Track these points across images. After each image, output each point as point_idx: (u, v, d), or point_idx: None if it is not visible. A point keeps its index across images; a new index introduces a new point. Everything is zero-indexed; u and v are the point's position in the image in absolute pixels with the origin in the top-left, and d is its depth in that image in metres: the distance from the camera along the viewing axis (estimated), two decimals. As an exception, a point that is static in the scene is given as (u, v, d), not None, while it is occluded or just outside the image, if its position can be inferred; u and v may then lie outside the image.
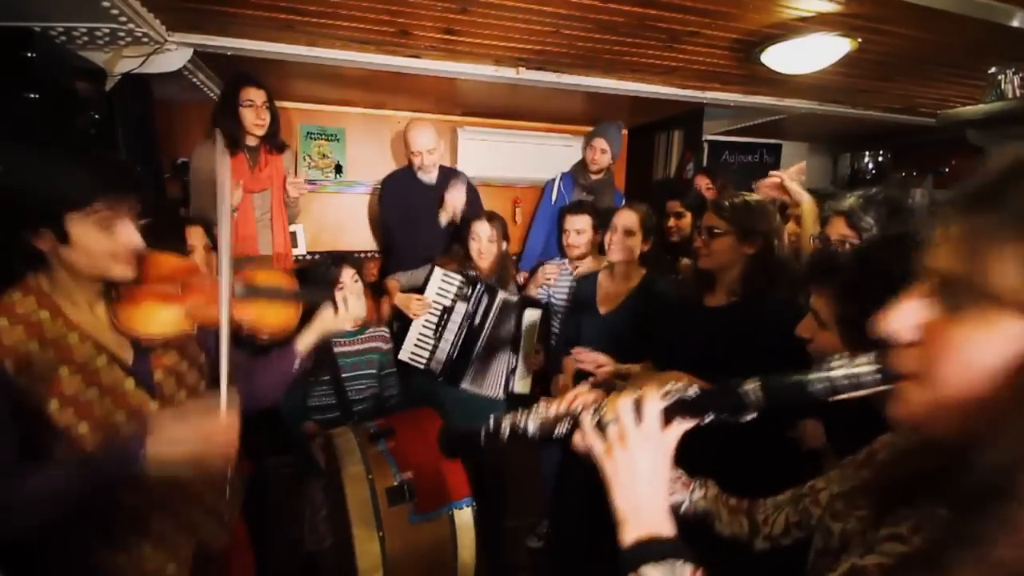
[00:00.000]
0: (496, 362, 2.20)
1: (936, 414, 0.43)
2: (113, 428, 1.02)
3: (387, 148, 3.34)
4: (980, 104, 2.29)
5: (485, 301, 2.16)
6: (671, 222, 2.63)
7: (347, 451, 1.57)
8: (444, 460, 1.61)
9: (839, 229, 1.38)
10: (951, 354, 0.41)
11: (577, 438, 0.67)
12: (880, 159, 3.98)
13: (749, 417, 0.60)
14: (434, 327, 2.22)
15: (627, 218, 2.03)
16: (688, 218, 2.60)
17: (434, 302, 2.22)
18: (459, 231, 2.39)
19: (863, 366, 0.52)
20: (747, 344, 1.46)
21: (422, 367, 2.22)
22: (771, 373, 0.60)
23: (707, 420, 0.62)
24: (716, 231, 1.60)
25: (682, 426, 0.63)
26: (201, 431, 0.96)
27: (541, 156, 3.41)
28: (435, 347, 2.22)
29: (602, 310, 2.09)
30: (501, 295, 2.18)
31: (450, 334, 2.20)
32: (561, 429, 0.70)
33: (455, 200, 2.61)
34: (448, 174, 2.83)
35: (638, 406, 0.63)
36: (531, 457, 2.59)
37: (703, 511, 0.91)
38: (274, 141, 2.47)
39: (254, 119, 2.33)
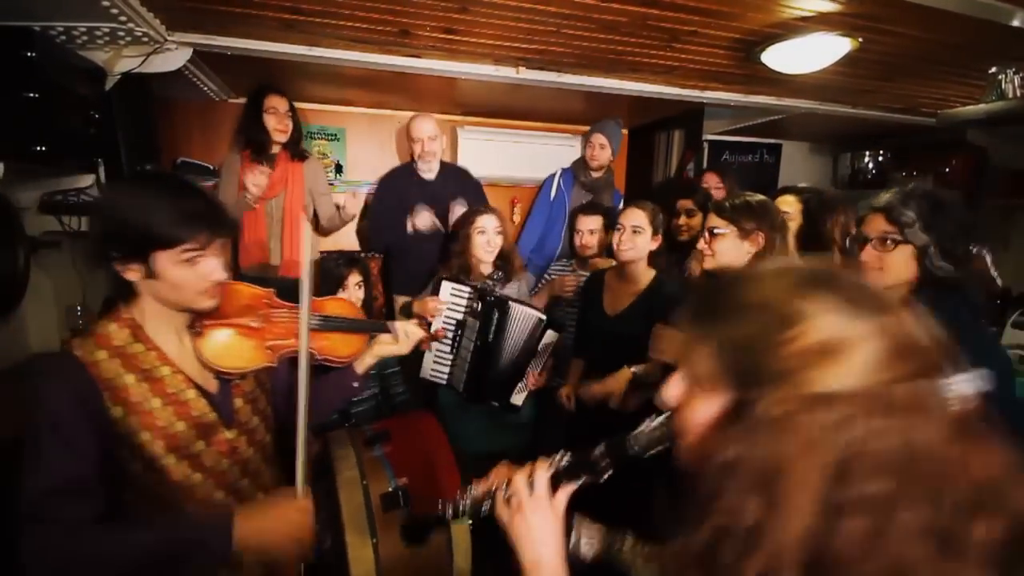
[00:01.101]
0: (503, 372, 2.17)
1: (693, 464, 0.57)
2: (196, 459, 1.06)
3: (387, 148, 3.33)
4: (980, 104, 2.28)
5: (496, 315, 2.07)
6: (681, 220, 2.61)
7: (342, 456, 1.56)
8: (440, 464, 1.60)
9: (879, 226, 1.32)
10: (690, 418, 0.58)
11: (498, 509, 0.80)
12: (880, 159, 3.97)
13: (607, 475, 0.75)
14: (451, 343, 2.15)
15: (634, 216, 2.00)
16: (699, 217, 2.59)
17: (447, 317, 2.15)
18: (454, 234, 2.34)
19: (659, 428, 0.70)
20: None
21: (444, 383, 2.17)
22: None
23: (583, 481, 0.76)
24: (718, 231, 1.62)
25: (568, 489, 0.77)
26: (283, 525, 1.00)
27: (541, 155, 3.40)
28: (453, 362, 2.16)
29: (609, 312, 2.06)
30: (517, 308, 2.10)
31: (466, 351, 2.13)
32: (486, 506, 0.83)
33: (422, 222, 2.66)
34: (449, 171, 2.83)
35: (531, 479, 0.77)
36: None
37: (620, 562, 0.95)
38: (295, 149, 2.59)
39: (277, 125, 2.48)
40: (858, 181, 4.04)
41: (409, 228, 2.66)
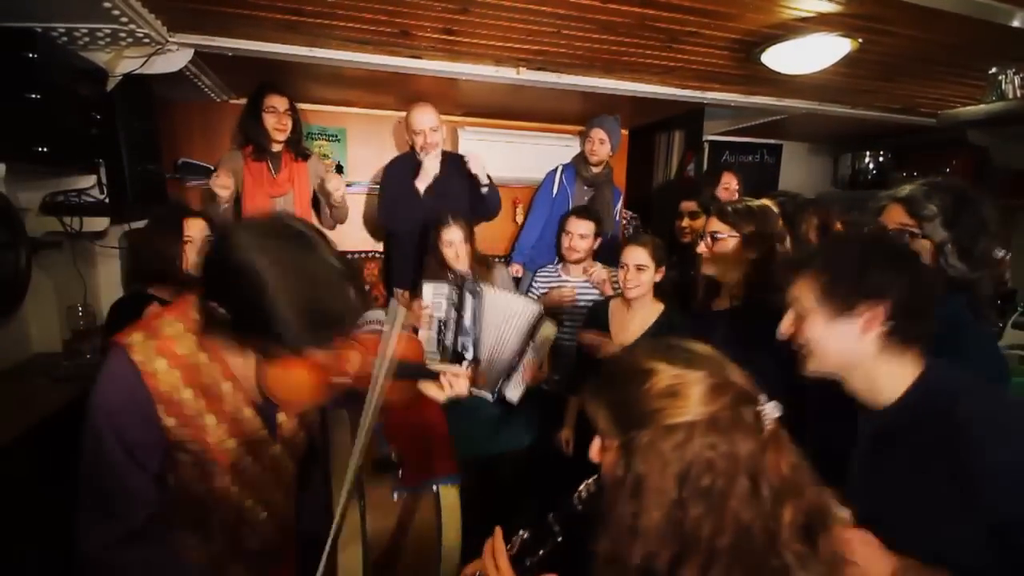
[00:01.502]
0: (496, 362, 2.18)
1: None
2: (240, 473, 1.02)
3: (388, 148, 3.33)
4: (981, 104, 2.29)
5: (471, 300, 2.11)
6: (685, 222, 2.60)
7: (337, 422, 1.57)
8: (432, 436, 1.62)
9: (897, 217, 1.25)
10: (606, 467, 0.77)
11: None
12: (881, 159, 3.97)
13: (560, 539, 0.85)
14: (437, 343, 2.18)
15: (636, 255, 2.00)
16: (702, 219, 2.58)
17: (430, 317, 2.18)
18: (427, 243, 2.37)
19: (593, 484, 0.85)
20: (751, 347, 1.46)
21: None
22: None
23: (545, 548, 0.86)
24: (720, 237, 1.62)
25: (534, 559, 0.85)
26: None
27: (541, 156, 3.40)
28: (442, 362, 2.16)
29: (617, 343, 2.04)
30: (491, 292, 2.14)
31: (451, 345, 2.15)
32: None
33: (428, 169, 2.58)
34: (451, 160, 2.78)
35: (495, 561, 0.85)
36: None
37: None
38: (297, 148, 2.61)
39: (275, 124, 2.49)
40: (858, 181, 4.04)
41: (421, 188, 2.59)
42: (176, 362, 0.94)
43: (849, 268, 0.96)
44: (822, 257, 1.02)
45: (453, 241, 2.25)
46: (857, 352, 0.96)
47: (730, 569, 0.66)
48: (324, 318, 0.87)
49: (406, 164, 2.73)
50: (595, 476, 0.83)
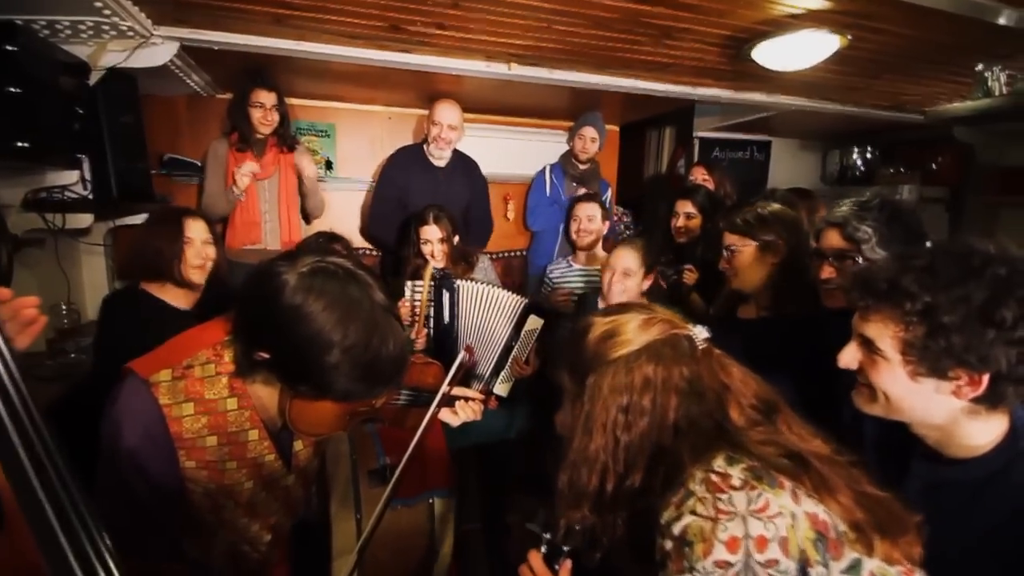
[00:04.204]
0: (481, 358, 2.17)
1: None
2: (251, 507, 1.01)
3: (378, 144, 3.31)
4: (967, 101, 2.32)
5: (447, 295, 2.10)
6: (680, 222, 2.61)
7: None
8: (429, 448, 1.61)
9: (834, 242, 1.24)
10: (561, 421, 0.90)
11: None
12: (868, 156, 4.01)
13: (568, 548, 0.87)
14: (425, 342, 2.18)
15: (623, 259, 1.93)
16: (698, 220, 2.58)
17: (416, 316, 2.16)
18: (408, 239, 2.37)
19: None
20: (777, 358, 1.45)
21: None
22: None
23: (566, 550, 0.88)
24: (734, 248, 1.58)
25: (566, 565, 0.88)
26: None
27: (532, 152, 3.40)
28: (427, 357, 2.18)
29: None
30: (467, 285, 2.13)
31: (432, 341, 2.15)
32: None
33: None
34: (459, 161, 2.80)
35: (530, 566, 0.88)
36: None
37: None
38: (284, 139, 2.63)
39: (261, 118, 2.50)
40: (846, 178, 4.07)
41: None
42: (203, 407, 0.90)
43: (954, 329, 0.75)
44: (912, 299, 0.79)
45: (430, 239, 2.25)
46: (939, 412, 0.82)
47: (678, 458, 0.74)
48: (377, 373, 0.83)
49: (408, 162, 2.73)
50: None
